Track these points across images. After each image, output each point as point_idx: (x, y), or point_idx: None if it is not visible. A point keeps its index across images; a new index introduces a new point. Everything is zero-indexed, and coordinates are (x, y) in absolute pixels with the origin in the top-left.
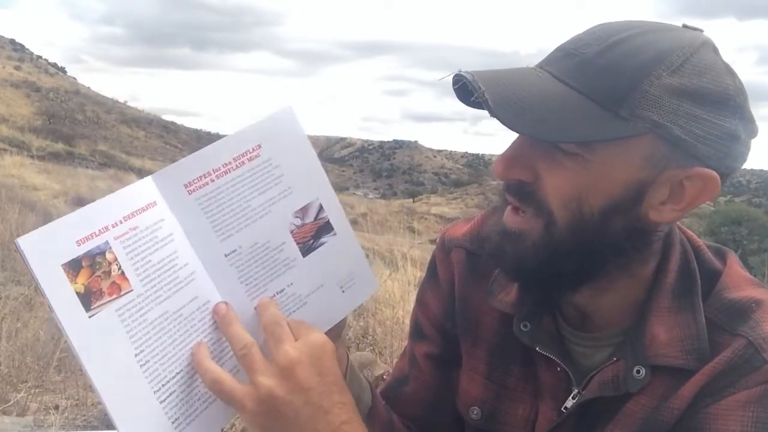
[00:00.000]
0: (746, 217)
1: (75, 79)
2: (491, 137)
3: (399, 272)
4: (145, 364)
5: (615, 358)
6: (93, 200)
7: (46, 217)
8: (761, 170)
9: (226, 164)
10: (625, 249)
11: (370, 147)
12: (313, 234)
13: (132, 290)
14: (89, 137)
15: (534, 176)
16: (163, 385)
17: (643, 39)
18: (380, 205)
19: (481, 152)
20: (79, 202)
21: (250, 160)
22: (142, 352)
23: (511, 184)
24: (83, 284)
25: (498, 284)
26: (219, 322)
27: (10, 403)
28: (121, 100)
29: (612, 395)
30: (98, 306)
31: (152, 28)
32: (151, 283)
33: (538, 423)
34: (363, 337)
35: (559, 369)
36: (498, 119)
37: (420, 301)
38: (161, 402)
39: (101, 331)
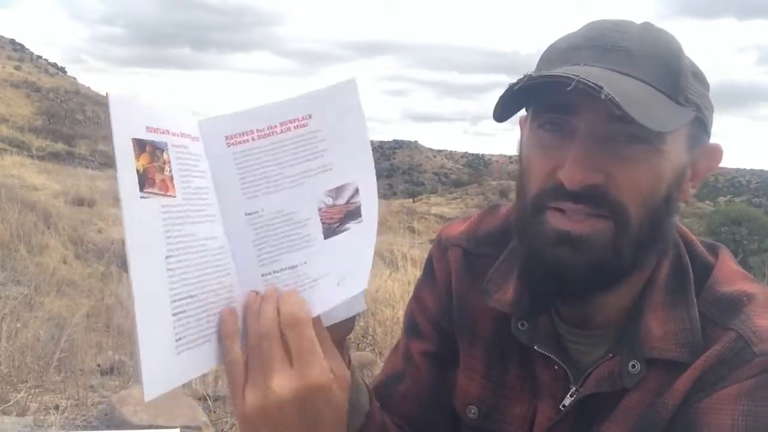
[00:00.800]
0: (746, 217)
1: (75, 79)
2: (491, 137)
3: (399, 272)
4: (170, 270)
5: (611, 354)
6: (93, 200)
7: (46, 217)
8: (761, 170)
9: (271, 127)
10: (671, 235)
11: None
12: (340, 217)
13: (176, 197)
14: (89, 137)
15: (605, 177)
16: (178, 300)
17: (652, 32)
18: (380, 205)
19: (481, 152)
20: (79, 201)
21: (296, 128)
22: (172, 257)
23: (582, 190)
24: (143, 166)
25: (494, 284)
26: (246, 311)
27: (10, 403)
28: None
29: (608, 391)
30: (149, 192)
31: (152, 28)
32: (189, 202)
33: (537, 421)
34: (363, 337)
35: (556, 367)
36: (633, 116)
37: (417, 298)
38: (173, 315)
39: (147, 217)
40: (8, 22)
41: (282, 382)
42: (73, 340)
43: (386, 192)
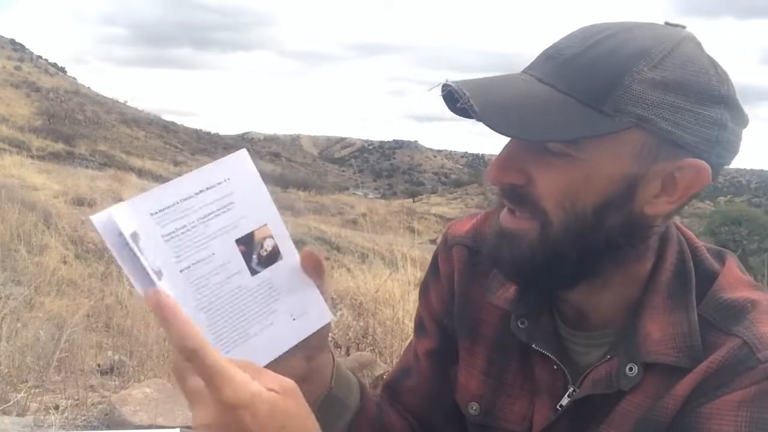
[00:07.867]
0: (746, 217)
1: (75, 79)
2: (491, 137)
3: (399, 272)
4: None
5: (609, 356)
6: (93, 200)
7: (46, 217)
8: (761, 170)
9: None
10: (620, 244)
11: (370, 147)
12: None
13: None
14: (89, 137)
15: (526, 179)
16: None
17: (623, 36)
18: (380, 205)
19: (481, 152)
20: (79, 201)
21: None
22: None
23: (505, 188)
24: None
25: (496, 281)
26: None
27: (10, 403)
28: (121, 100)
29: (606, 393)
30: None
31: (154, 28)
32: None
33: (535, 420)
34: (363, 337)
35: (555, 367)
36: (485, 123)
37: (422, 295)
38: None
39: None
40: (8, 22)
41: (199, 412)
42: (73, 340)
43: (386, 192)
